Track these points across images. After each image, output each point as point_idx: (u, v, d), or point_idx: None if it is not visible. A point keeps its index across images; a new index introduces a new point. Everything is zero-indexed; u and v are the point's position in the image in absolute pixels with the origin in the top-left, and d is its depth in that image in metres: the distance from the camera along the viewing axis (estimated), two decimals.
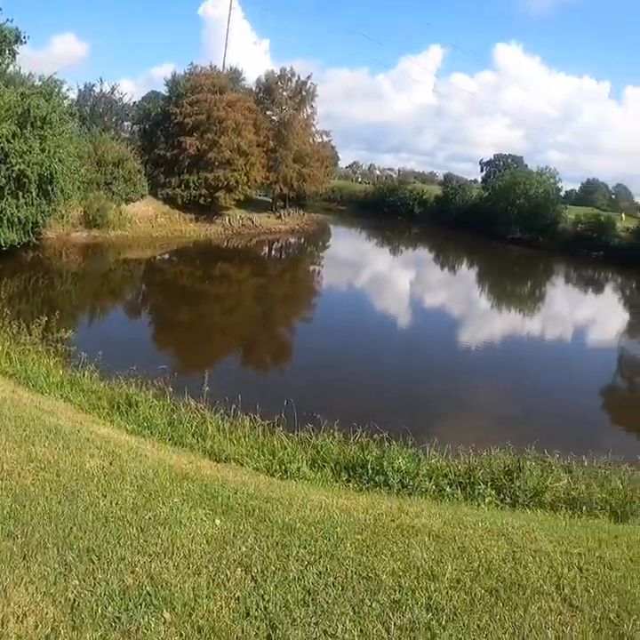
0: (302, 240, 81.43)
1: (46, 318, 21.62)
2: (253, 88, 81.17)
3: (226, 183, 66.26)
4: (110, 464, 9.75)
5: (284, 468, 13.49)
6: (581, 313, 59.34)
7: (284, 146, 75.28)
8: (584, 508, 13.92)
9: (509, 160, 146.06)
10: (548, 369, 34.74)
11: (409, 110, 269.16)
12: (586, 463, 16.91)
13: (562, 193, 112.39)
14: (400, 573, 7.59)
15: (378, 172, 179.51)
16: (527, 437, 18.70)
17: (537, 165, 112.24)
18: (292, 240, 79.06)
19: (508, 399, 27.53)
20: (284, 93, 79.89)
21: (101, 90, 73.70)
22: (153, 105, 73.68)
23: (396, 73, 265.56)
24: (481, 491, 13.80)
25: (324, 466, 14.21)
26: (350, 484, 13.37)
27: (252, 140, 68.86)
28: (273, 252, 71.28)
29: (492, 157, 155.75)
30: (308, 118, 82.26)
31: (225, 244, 65.41)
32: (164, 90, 74.05)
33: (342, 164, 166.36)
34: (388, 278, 64.66)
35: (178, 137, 66.50)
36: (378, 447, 15.20)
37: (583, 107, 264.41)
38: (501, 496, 13.87)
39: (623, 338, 50.00)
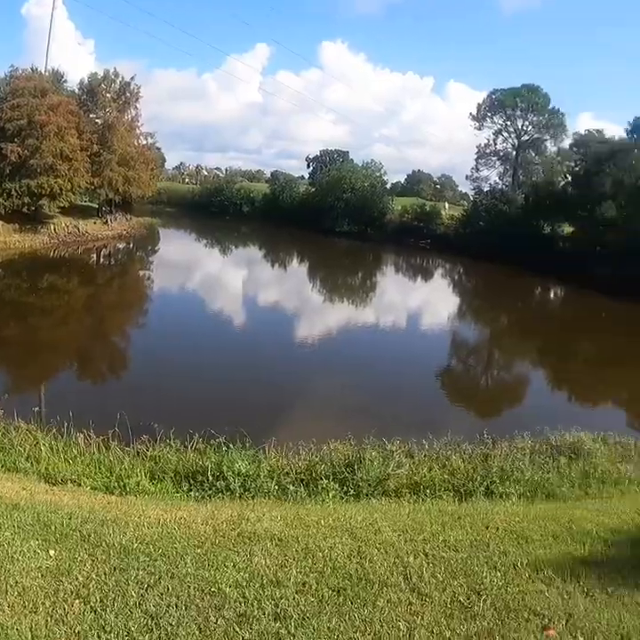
0: (131, 245, 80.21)
1: None
2: (76, 90, 78.79)
3: (49, 190, 63.86)
4: None
5: (122, 483, 13.23)
6: (413, 300, 61.70)
7: (108, 149, 73.35)
8: (428, 492, 14.44)
9: (335, 155, 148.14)
10: (385, 356, 35.83)
11: (235, 109, 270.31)
12: (427, 446, 17.70)
13: (388, 185, 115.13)
14: (244, 584, 7.48)
15: (205, 173, 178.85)
16: (368, 427, 19.10)
17: (363, 159, 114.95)
18: (121, 246, 77.76)
19: (348, 390, 27.72)
20: (108, 95, 77.99)
21: None
22: None
23: (222, 73, 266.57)
24: (324, 485, 14.09)
25: (163, 477, 14.06)
26: (192, 494, 13.28)
27: (76, 144, 66.65)
28: (101, 260, 69.48)
29: (319, 153, 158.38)
30: (132, 120, 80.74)
31: (52, 253, 63.42)
32: None
33: (169, 165, 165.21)
34: (221, 279, 64.51)
35: None
36: (216, 452, 15.22)
37: (407, 102, 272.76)
38: (345, 488, 14.21)
39: (454, 321, 52.50)
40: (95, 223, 78.28)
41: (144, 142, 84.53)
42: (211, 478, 13.91)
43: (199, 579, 7.51)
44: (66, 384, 27.01)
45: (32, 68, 73.06)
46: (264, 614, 6.85)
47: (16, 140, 63.80)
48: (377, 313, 51.95)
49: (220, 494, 13.30)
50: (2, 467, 13.57)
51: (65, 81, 79.45)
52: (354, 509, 11.36)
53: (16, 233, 63.31)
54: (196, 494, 13.31)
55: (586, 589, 8.09)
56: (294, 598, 7.22)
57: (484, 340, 47.89)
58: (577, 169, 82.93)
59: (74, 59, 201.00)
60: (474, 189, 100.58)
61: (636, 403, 32.24)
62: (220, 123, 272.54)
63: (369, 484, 14.47)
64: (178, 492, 13.36)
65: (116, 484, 13.22)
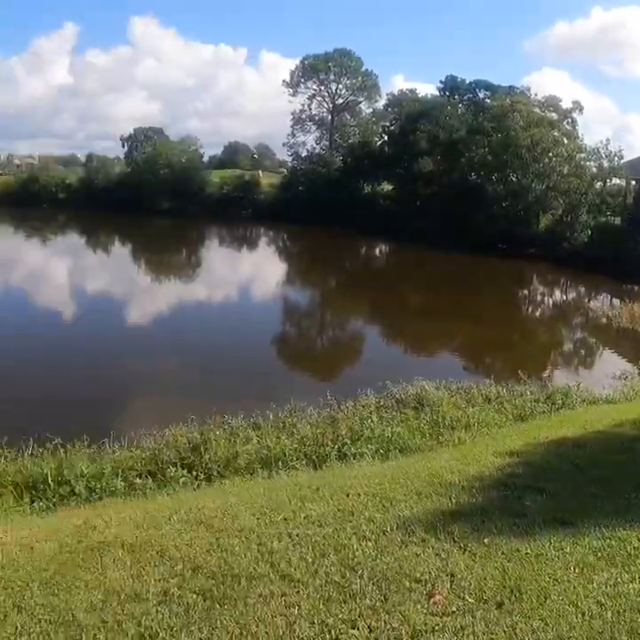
0: None
1: None
2: None
3: None
4: None
5: None
6: (240, 271, 62.53)
7: None
8: (280, 464, 14.22)
9: (150, 133, 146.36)
10: (219, 330, 36.29)
11: (44, 93, 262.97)
12: (271, 417, 17.75)
13: (205, 159, 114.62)
14: (100, 605, 6.63)
15: (17, 162, 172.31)
16: (209, 405, 19.06)
17: (178, 135, 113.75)
18: None
19: (185, 370, 27.73)
20: None
21: None
22: None
23: (28, 55, 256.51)
24: (172, 474, 13.74)
25: (1, 492, 13.16)
26: (35, 505, 12.49)
27: None
28: None
29: (133, 132, 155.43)
30: None
31: None
32: None
33: None
34: (42, 270, 62.33)
35: None
36: (53, 456, 14.53)
37: (220, 74, 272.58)
38: (194, 474, 13.90)
39: (284, 287, 53.59)
40: None
41: None
42: (52, 485, 13.22)
43: (50, 608, 6.61)
44: None
45: None
46: (127, 636, 6.16)
47: None
48: (206, 288, 52.29)
49: (65, 501, 12.63)
50: None
51: None
52: (207, 496, 10.90)
53: None
54: (40, 505, 12.52)
55: (462, 545, 7.91)
56: (158, 612, 6.50)
57: (315, 303, 49.27)
58: (392, 128, 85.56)
59: None
60: (291, 155, 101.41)
61: (467, 348, 33.64)
62: (31, 108, 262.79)
63: (218, 465, 14.26)
64: (20, 506, 12.45)
65: None
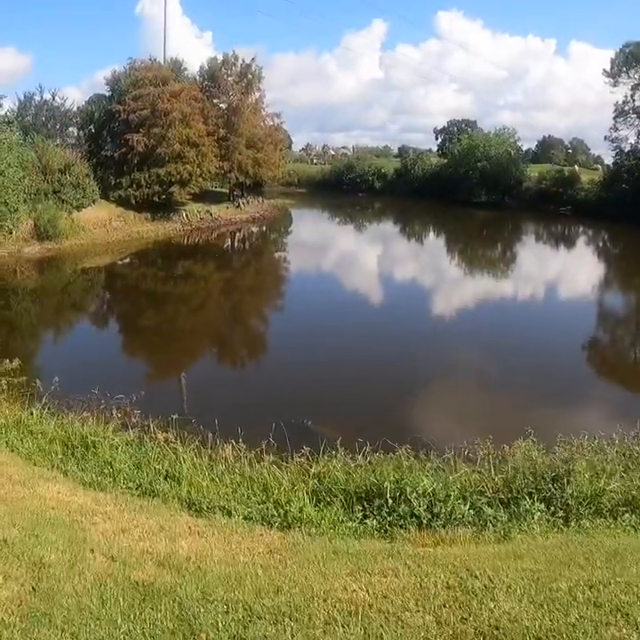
0: (264, 228, 79.10)
1: None
2: (197, 77, 78.03)
3: (179, 177, 63.70)
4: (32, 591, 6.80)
5: (282, 511, 10.62)
6: (555, 270, 58.64)
7: (234, 133, 72.64)
8: None
9: (463, 125, 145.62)
10: (546, 332, 33.63)
11: (356, 87, 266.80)
12: (617, 441, 14.91)
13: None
14: None
15: (332, 152, 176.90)
16: (536, 415, 17.03)
17: (489, 128, 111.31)
18: (254, 229, 76.66)
19: (508, 373, 25.65)
20: (230, 79, 76.95)
21: (42, 98, 71.29)
22: (96, 107, 70.84)
23: (340, 51, 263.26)
24: (527, 506, 11.01)
25: (330, 501, 11.36)
26: (368, 522, 10.49)
27: (202, 129, 66.26)
28: (236, 244, 68.78)
29: (446, 124, 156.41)
30: (256, 102, 79.31)
31: (185, 240, 62.88)
32: (106, 90, 71.73)
33: (295, 147, 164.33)
34: (357, 256, 63.06)
35: (124, 135, 63.78)
36: (393, 465, 12.38)
37: (530, 65, 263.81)
38: (552, 509, 11.10)
39: (599, 291, 49.57)
40: (227, 208, 77.36)
41: (271, 123, 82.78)
42: (390, 502, 10.97)
43: None
44: (206, 378, 25.02)
45: (151, 59, 73.11)
46: None
47: (141, 130, 63.75)
48: (519, 285, 49.38)
49: (402, 522, 10.47)
50: (137, 488, 11.52)
51: (185, 69, 78.47)
52: (586, 548, 9.01)
53: (148, 222, 63.12)
54: (375, 524, 10.48)
55: None
56: None
57: (634, 310, 44.47)
58: None
59: (193, 52, 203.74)
60: (614, 150, 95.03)
61: None
62: (343, 102, 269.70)
63: (580, 503, 11.34)
64: (351, 521, 10.55)
65: (274, 511, 10.66)
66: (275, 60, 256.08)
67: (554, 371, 25.88)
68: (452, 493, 11.12)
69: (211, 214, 72.47)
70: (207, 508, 10.75)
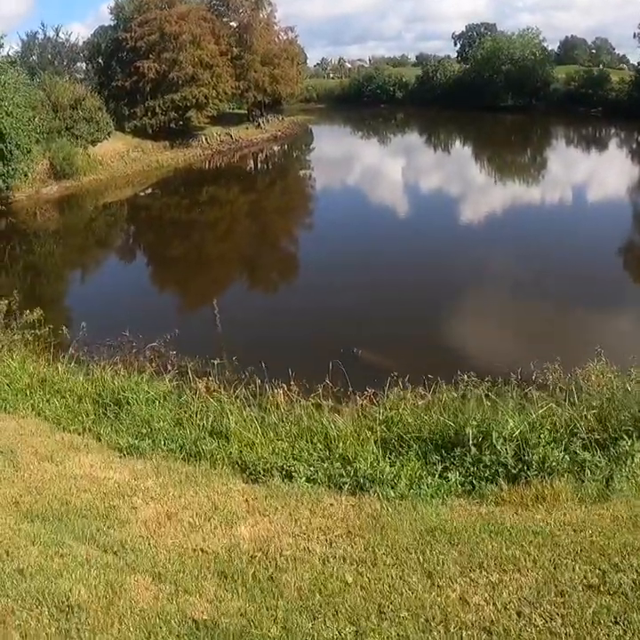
0: (286, 146, 77.64)
1: (14, 298, 16.82)
2: None
3: (195, 101, 62.14)
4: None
5: (350, 469, 9.12)
6: (590, 174, 56.95)
7: (248, 50, 70.63)
8: None
9: (483, 29, 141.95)
10: (583, 237, 32.42)
11: None
12: None
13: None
14: None
15: (348, 65, 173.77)
16: (586, 326, 16.02)
17: (509, 31, 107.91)
18: (276, 148, 75.16)
19: (548, 282, 24.75)
20: None
21: (45, 35, 69.37)
22: (102, 38, 69.34)
23: None
24: (627, 447, 9.28)
25: (403, 451, 9.81)
26: (450, 476, 9.02)
27: (214, 50, 64.28)
28: (258, 165, 67.55)
29: (465, 29, 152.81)
30: (268, 17, 77.08)
31: (207, 165, 61.63)
32: (110, 20, 70.19)
33: (310, 63, 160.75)
34: (384, 170, 61.62)
35: (134, 63, 62.16)
36: (471, 403, 10.75)
37: None
38: None
39: (636, 193, 47.92)
40: (247, 128, 75.84)
41: (285, 37, 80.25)
42: (473, 450, 9.41)
43: None
44: (242, 308, 23.33)
45: None
46: None
47: (151, 56, 62.20)
48: (554, 191, 47.78)
49: (488, 474, 9.04)
50: (180, 450, 9.99)
51: None
52: None
53: (167, 150, 61.65)
54: (457, 477, 9.03)
55: None
56: None
57: None
58: None
59: None
60: None
61: None
62: (355, 13, 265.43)
63: None
64: (430, 475, 9.06)
65: (341, 469, 9.15)
66: None
67: (594, 277, 25.24)
68: (543, 436, 9.61)
69: (231, 136, 71.01)
70: (263, 470, 9.30)
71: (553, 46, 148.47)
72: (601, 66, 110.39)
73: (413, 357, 16.11)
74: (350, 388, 12.33)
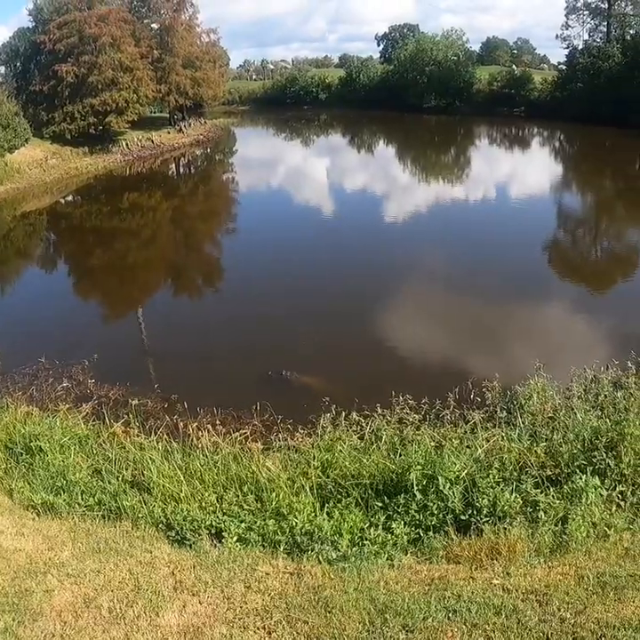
0: (208, 149, 76.66)
1: None
2: None
3: (115, 105, 60.67)
4: None
5: (286, 525, 8.52)
6: (514, 172, 57.90)
7: (169, 53, 69.45)
8: None
9: (406, 30, 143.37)
10: (508, 235, 33.20)
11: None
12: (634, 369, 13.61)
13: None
14: None
15: (271, 67, 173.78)
16: (517, 329, 15.94)
17: (433, 32, 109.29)
18: (198, 152, 74.25)
19: (478, 283, 24.75)
20: None
21: None
22: (20, 41, 67.24)
23: None
24: (581, 483, 8.97)
25: (342, 498, 9.27)
26: (395, 528, 8.52)
27: (134, 52, 62.83)
28: (181, 169, 66.80)
29: (388, 30, 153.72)
30: (189, 19, 75.90)
31: (128, 171, 60.24)
32: (28, 21, 68.04)
33: (233, 65, 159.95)
34: (308, 171, 61.67)
35: (52, 67, 60.30)
36: (413, 446, 10.22)
37: None
38: (608, 484, 9.17)
39: (559, 190, 49.28)
40: (169, 132, 74.60)
41: (207, 40, 79.28)
42: (418, 496, 8.94)
43: None
44: (165, 323, 22.51)
45: None
46: None
47: (70, 59, 60.44)
48: (478, 189, 48.46)
49: (435, 521, 8.64)
50: (99, 506, 9.14)
51: None
52: None
53: (87, 156, 59.95)
54: (403, 528, 8.53)
55: None
56: None
57: (592, 210, 43.63)
58: None
59: None
60: (566, 48, 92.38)
61: None
62: (280, 14, 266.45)
63: (636, 471, 9.37)
64: (373, 527, 8.55)
65: (275, 525, 8.53)
66: None
67: (522, 275, 26.02)
68: (491, 475, 9.21)
69: (152, 141, 69.67)
70: (190, 529, 8.54)
71: (476, 47, 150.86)
72: (523, 66, 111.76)
73: (346, 375, 15.72)
74: (280, 417, 11.89)
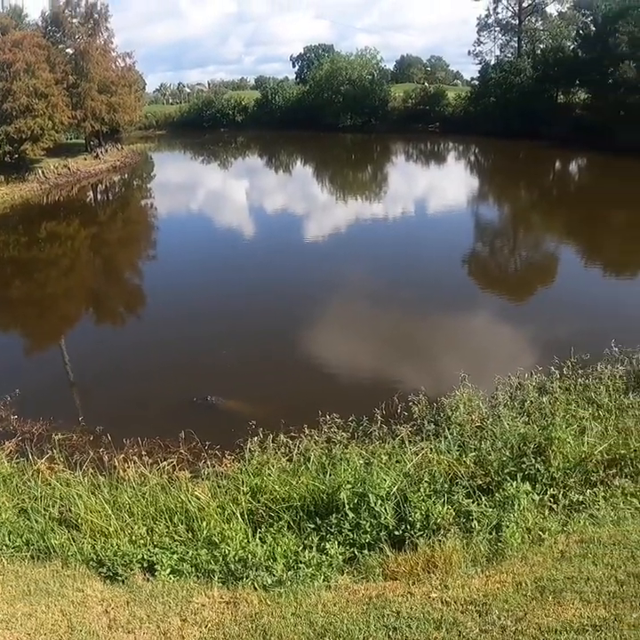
0: (126, 175, 75.77)
1: None
2: (39, 23, 73.15)
3: (30, 132, 59.44)
4: None
5: (219, 553, 8.54)
6: (431, 187, 59.28)
7: (85, 78, 68.35)
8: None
9: (320, 51, 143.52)
10: (428, 249, 33.92)
11: (210, 21, 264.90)
12: (558, 375, 14.26)
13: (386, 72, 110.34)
14: None
15: (188, 90, 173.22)
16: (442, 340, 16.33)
17: (347, 51, 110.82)
18: (116, 178, 73.26)
19: (402, 299, 25.32)
20: (74, 21, 72.42)
21: None
22: None
23: None
24: (512, 490, 9.28)
25: (274, 523, 9.33)
26: (329, 549, 8.59)
27: (49, 78, 61.77)
28: (99, 196, 65.77)
29: (303, 51, 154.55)
30: (105, 43, 75.06)
31: (45, 200, 59.16)
32: None
33: (149, 89, 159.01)
34: (226, 193, 61.78)
35: None
36: (343, 463, 10.41)
37: None
38: (538, 488, 9.55)
39: (476, 203, 50.68)
40: (85, 159, 73.47)
41: (122, 64, 78.66)
42: (350, 515, 9.00)
43: None
44: (89, 351, 22.09)
45: None
46: None
47: None
48: (396, 205, 49.28)
49: (369, 538, 8.71)
50: (27, 546, 8.90)
51: (26, 16, 74.24)
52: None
53: (2, 185, 58.63)
54: (337, 548, 8.57)
55: None
56: None
57: (510, 221, 45.31)
58: (586, 31, 78.18)
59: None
60: (479, 64, 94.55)
61: None
62: (197, 37, 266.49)
63: (566, 474, 9.80)
64: (307, 549, 8.60)
65: (208, 555, 8.50)
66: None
67: (443, 286, 26.79)
68: (422, 489, 9.38)
69: (69, 168, 68.52)
70: (122, 564, 8.42)
71: (390, 66, 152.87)
72: (436, 83, 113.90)
73: (272, 397, 15.86)
74: (208, 444, 11.98)
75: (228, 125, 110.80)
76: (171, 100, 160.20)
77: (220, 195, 60.69)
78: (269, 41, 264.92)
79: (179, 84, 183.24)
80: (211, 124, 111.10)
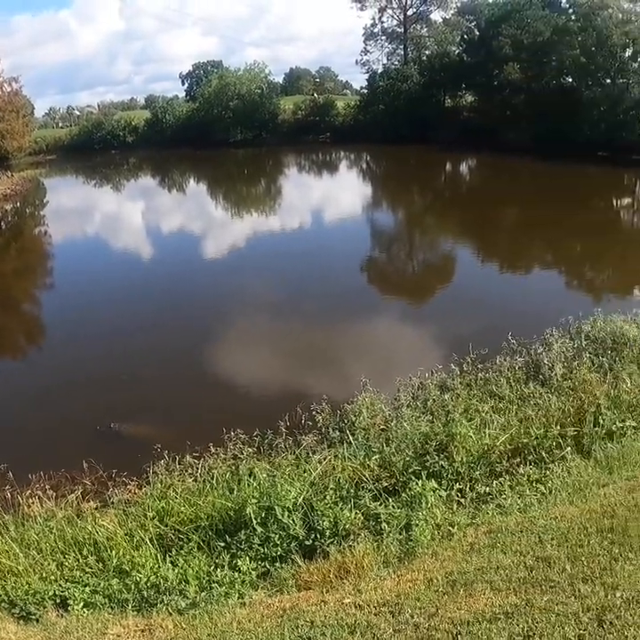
0: (18, 203, 73.66)
1: None
2: None
3: None
4: None
5: (130, 582, 8.59)
6: (326, 196, 60.02)
7: None
8: (540, 454, 10.66)
9: (209, 67, 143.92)
10: (327, 259, 34.28)
11: (97, 42, 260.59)
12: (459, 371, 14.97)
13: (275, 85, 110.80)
14: None
15: (77, 113, 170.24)
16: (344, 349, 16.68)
17: (237, 66, 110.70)
18: (8, 207, 71.00)
19: (302, 310, 25.86)
20: None
21: None
22: None
23: (77, 6, 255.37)
24: (419, 488, 9.63)
25: (183, 545, 9.41)
26: (240, 565, 8.74)
27: None
28: None
29: (192, 68, 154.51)
30: None
31: None
32: None
33: (38, 113, 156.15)
34: (120, 216, 60.94)
35: None
36: (242, 476, 10.74)
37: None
38: (442, 484, 9.98)
39: (371, 211, 51.83)
40: None
41: (9, 89, 77.45)
42: (259, 529, 9.18)
43: None
44: None
45: None
46: None
47: None
48: (292, 217, 50.21)
49: (280, 551, 8.94)
50: None
51: None
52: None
53: None
54: (248, 564, 8.72)
55: None
56: None
57: (405, 224, 46.60)
58: (471, 36, 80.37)
59: None
60: (367, 73, 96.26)
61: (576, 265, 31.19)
62: (86, 57, 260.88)
63: (470, 467, 10.28)
64: (219, 568, 8.75)
65: (120, 585, 8.58)
66: (13, 23, 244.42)
67: (342, 295, 27.03)
68: (328, 496, 9.67)
69: None
70: (34, 603, 8.39)
71: (279, 78, 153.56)
72: (325, 93, 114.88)
73: (176, 418, 15.98)
74: (114, 471, 12.05)
75: (119, 147, 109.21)
76: (60, 124, 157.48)
77: (116, 218, 59.85)
78: (159, 59, 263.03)
79: (68, 107, 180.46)
80: (102, 146, 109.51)
